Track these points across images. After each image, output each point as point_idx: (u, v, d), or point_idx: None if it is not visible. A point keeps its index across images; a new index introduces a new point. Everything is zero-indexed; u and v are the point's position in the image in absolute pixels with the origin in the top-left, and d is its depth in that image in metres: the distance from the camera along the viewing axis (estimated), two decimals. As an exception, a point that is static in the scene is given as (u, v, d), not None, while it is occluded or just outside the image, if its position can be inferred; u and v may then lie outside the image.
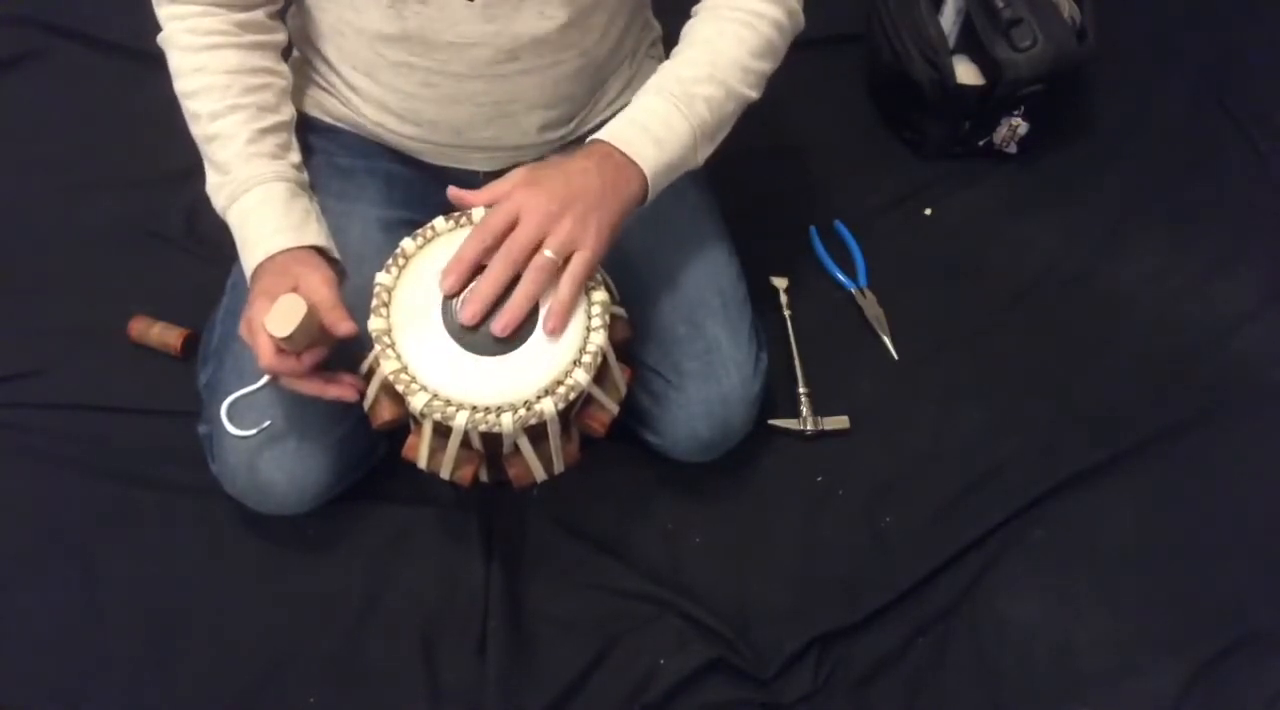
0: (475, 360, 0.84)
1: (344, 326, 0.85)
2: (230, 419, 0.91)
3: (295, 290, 0.86)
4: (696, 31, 0.96)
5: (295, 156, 0.96)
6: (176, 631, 1.00)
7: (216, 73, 0.91)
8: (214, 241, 1.09)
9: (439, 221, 0.89)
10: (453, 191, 0.88)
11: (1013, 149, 1.37)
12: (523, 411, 0.83)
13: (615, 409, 0.92)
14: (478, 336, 0.84)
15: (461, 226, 0.89)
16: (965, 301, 1.26)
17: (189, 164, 1.25)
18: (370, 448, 1.02)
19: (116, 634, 1.00)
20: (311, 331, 0.84)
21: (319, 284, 0.86)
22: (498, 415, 0.82)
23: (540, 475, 0.91)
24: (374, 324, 0.84)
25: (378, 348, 0.84)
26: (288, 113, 0.97)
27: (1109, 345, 1.23)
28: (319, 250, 0.92)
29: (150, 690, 0.97)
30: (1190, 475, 1.14)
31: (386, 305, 0.85)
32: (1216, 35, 1.53)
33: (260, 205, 0.91)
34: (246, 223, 0.91)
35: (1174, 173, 1.39)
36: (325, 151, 1.03)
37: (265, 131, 0.93)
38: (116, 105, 1.35)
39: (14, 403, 1.11)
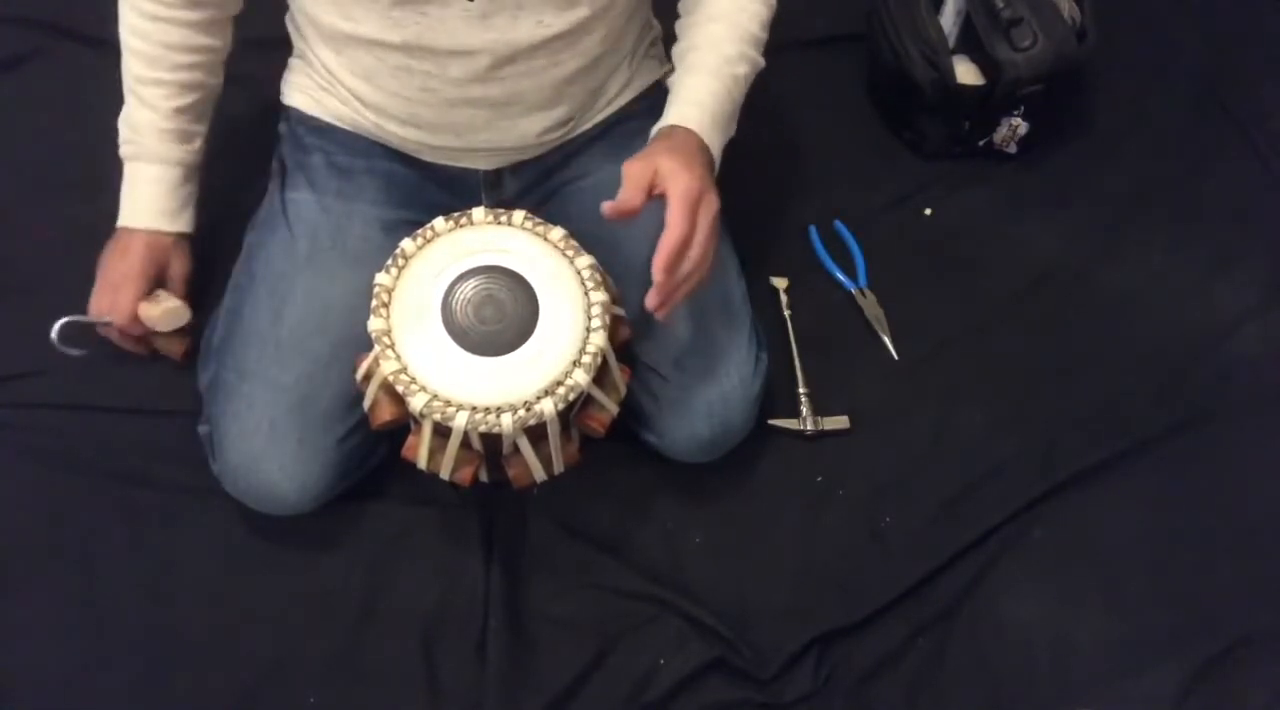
0: (475, 360, 0.84)
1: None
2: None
3: (161, 269, 1.04)
4: (718, 5, 0.98)
5: (202, 128, 1.06)
6: (176, 631, 1.00)
7: (154, 42, 0.99)
8: (213, 241, 1.09)
9: (439, 222, 0.89)
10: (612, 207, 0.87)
11: (1013, 149, 1.37)
12: (522, 412, 0.82)
13: (615, 409, 0.92)
14: (478, 337, 0.84)
15: (462, 227, 0.89)
16: (965, 301, 1.26)
17: (189, 164, 1.27)
18: (371, 448, 1.02)
19: (116, 634, 0.99)
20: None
21: (182, 273, 1.07)
22: (497, 416, 0.82)
23: (540, 476, 0.91)
24: (374, 324, 0.84)
25: (377, 348, 0.84)
26: (213, 82, 1.05)
27: (1109, 345, 1.23)
28: (186, 238, 1.07)
29: (150, 690, 0.97)
30: (1190, 475, 1.14)
31: (386, 305, 0.85)
32: (1216, 35, 1.53)
33: (153, 182, 1.04)
34: (137, 187, 1.04)
35: (1174, 173, 1.39)
36: (325, 151, 1.03)
37: (181, 110, 1.02)
38: (116, 105, 1.35)
39: (14, 403, 1.11)
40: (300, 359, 0.96)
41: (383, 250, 0.90)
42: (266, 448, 0.95)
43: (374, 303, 0.85)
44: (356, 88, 0.99)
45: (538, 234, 0.89)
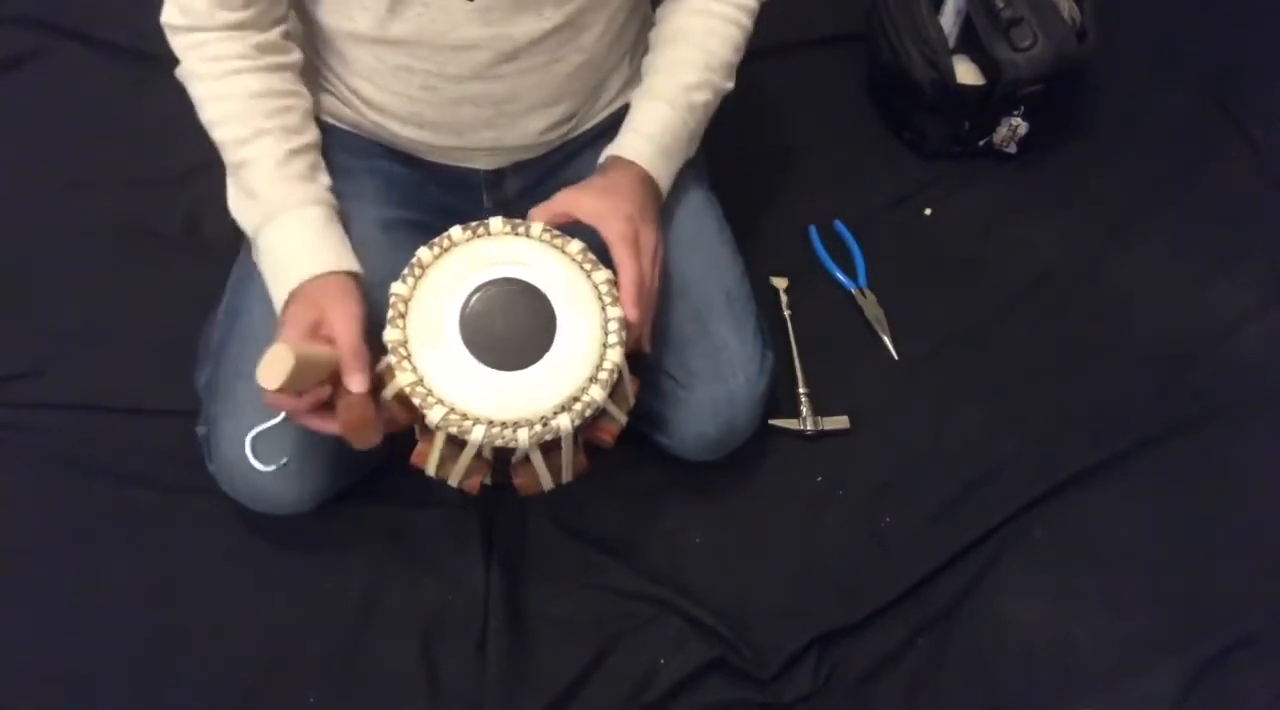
0: (492, 374, 0.83)
1: (355, 381, 0.82)
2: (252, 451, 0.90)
3: (317, 326, 0.84)
4: (688, 25, 0.99)
5: (326, 178, 0.95)
6: (176, 632, 1.00)
7: (240, 98, 0.91)
8: (214, 241, 1.09)
9: (455, 231, 0.87)
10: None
11: (1013, 149, 1.37)
12: (539, 428, 0.82)
13: (624, 420, 0.91)
14: (495, 350, 0.84)
15: (479, 237, 0.88)
16: (965, 301, 1.26)
17: (189, 164, 1.27)
18: (368, 450, 1.01)
19: (116, 634, 1.00)
20: (314, 374, 0.82)
21: (348, 322, 0.84)
22: (514, 431, 0.82)
23: (548, 485, 0.90)
24: (390, 335, 0.83)
25: (393, 358, 0.83)
26: (313, 134, 0.95)
27: (1109, 345, 1.23)
28: (355, 277, 0.90)
29: (150, 690, 0.97)
30: (1190, 475, 1.14)
31: (403, 316, 0.84)
32: (1216, 35, 1.53)
33: (295, 230, 0.90)
34: (280, 248, 0.90)
35: (1174, 173, 1.39)
36: (325, 151, 1.03)
37: (294, 153, 0.91)
38: (116, 105, 1.35)
39: (14, 403, 1.11)
40: None
41: (381, 249, 0.89)
42: (262, 449, 0.94)
43: (390, 313, 0.84)
44: (359, 87, 0.99)
45: (556, 246, 0.88)
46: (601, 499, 1.08)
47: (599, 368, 0.84)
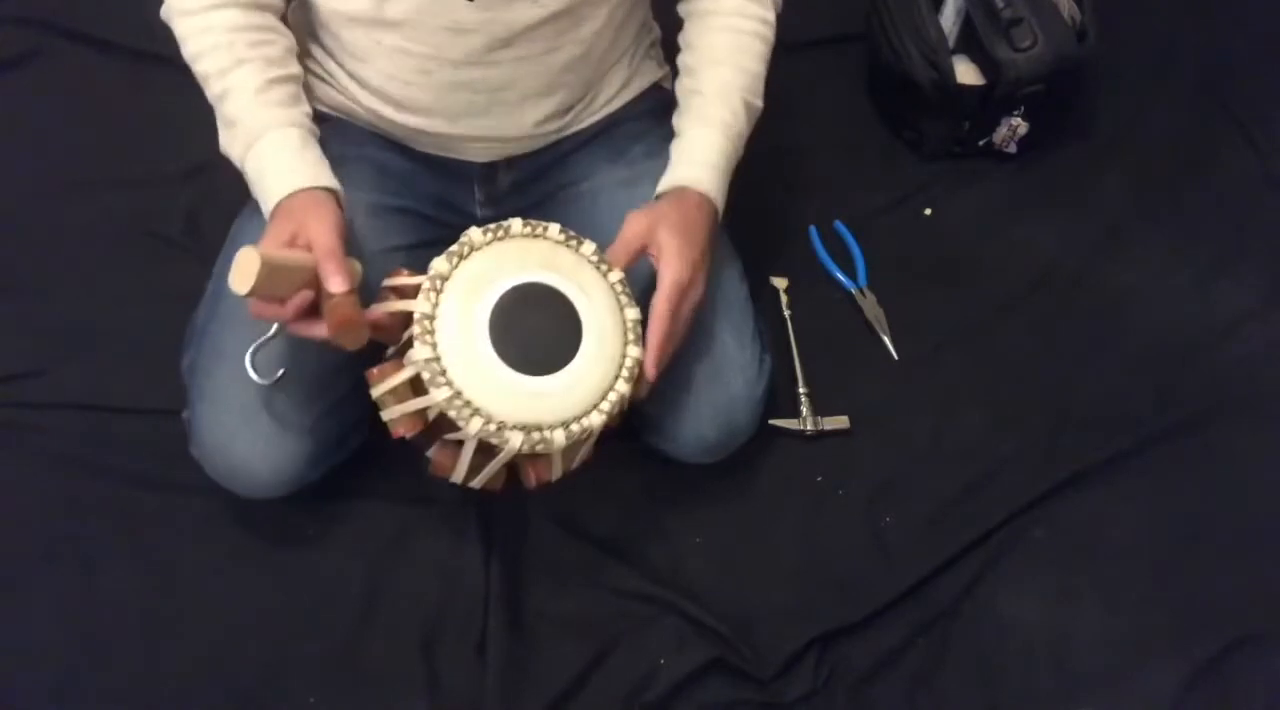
0: (503, 371, 0.83)
1: (334, 282, 0.82)
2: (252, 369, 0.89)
3: (294, 237, 0.85)
4: (722, 44, 1.00)
5: (307, 107, 0.96)
6: (176, 631, 1.00)
7: (221, 31, 0.92)
8: (214, 241, 1.08)
9: (515, 224, 0.88)
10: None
11: (1013, 149, 1.37)
12: (535, 434, 0.83)
13: (559, 474, 0.91)
14: (513, 349, 0.84)
15: (535, 237, 0.89)
16: (965, 301, 1.26)
17: (189, 164, 1.27)
18: (348, 431, 1.01)
19: (116, 634, 0.99)
20: (289, 280, 0.82)
21: (324, 230, 0.84)
22: (501, 431, 0.82)
23: (456, 478, 0.89)
24: (421, 306, 0.83)
25: (416, 330, 0.83)
26: (295, 68, 0.96)
27: (1109, 345, 1.23)
28: (334, 195, 0.91)
29: (150, 690, 0.97)
30: (1190, 475, 1.14)
31: (438, 291, 0.84)
32: (1216, 35, 1.53)
33: (276, 151, 0.91)
34: (262, 169, 0.91)
35: (1174, 172, 1.39)
36: (318, 140, 1.03)
37: (273, 82, 0.93)
38: (116, 105, 1.35)
39: (14, 403, 1.11)
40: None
41: (365, 234, 0.88)
42: (239, 428, 0.94)
43: (426, 285, 0.84)
44: (355, 70, 0.99)
45: (600, 271, 0.89)
46: (602, 499, 1.08)
47: (603, 398, 0.86)
